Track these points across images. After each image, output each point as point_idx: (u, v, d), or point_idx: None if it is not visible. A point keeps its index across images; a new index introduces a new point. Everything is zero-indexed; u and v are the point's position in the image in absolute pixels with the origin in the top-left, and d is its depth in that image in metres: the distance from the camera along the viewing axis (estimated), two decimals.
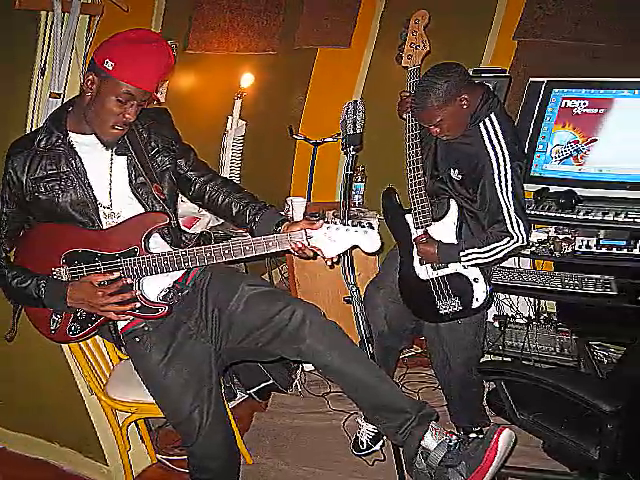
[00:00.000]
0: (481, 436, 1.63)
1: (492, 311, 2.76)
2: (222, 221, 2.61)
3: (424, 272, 2.06)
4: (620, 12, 2.76)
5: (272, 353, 1.72)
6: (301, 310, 1.64)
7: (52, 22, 1.78)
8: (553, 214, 2.47)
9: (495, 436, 1.53)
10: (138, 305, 1.61)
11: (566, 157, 2.58)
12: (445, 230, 2.03)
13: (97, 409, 2.10)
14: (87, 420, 2.14)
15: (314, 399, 2.72)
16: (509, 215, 1.89)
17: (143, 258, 1.59)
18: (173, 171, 1.75)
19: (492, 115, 1.92)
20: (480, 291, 2.00)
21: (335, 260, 1.62)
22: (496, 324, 2.76)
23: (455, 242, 2.01)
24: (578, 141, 2.55)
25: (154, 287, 1.68)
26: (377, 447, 2.20)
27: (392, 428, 1.67)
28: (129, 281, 1.60)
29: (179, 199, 1.87)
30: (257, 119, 3.18)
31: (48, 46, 1.81)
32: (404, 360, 2.97)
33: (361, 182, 3.18)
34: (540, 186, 2.59)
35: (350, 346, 1.70)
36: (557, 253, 2.50)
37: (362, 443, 2.21)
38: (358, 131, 1.83)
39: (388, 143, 2.80)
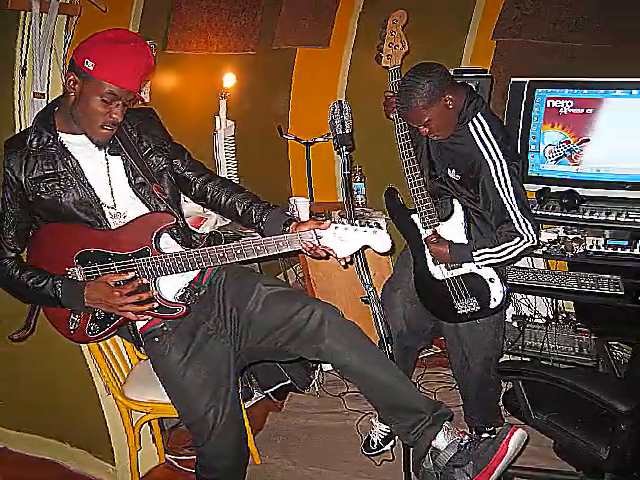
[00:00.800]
0: (493, 436, 1.66)
1: (510, 311, 2.79)
2: (229, 221, 2.65)
3: (438, 272, 2.09)
4: (598, 13, 2.83)
5: (291, 353, 1.74)
6: (320, 310, 1.67)
7: (30, 22, 1.83)
8: (559, 214, 2.53)
9: (507, 436, 1.57)
10: (156, 305, 1.64)
11: (560, 157, 2.63)
12: (454, 230, 2.06)
13: (112, 409, 2.15)
14: (101, 420, 2.18)
15: (330, 399, 2.76)
16: (515, 216, 1.92)
17: (156, 258, 1.62)
18: (170, 171, 1.79)
19: (479, 115, 1.95)
20: (497, 291, 2.02)
21: (348, 260, 1.64)
22: (515, 324, 2.79)
23: (465, 242, 2.04)
24: (569, 141, 2.59)
25: (170, 287, 1.71)
26: (387, 447, 2.24)
27: (405, 428, 1.70)
28: (145, 281, 1.64)
29: (182, 199, 1.91)
30: (244, 119, 3.22)
31: (27, 46, 1.85)
32: (423, 360, 3.00)
33: (361, 182, 3.23)
34: (540, 186, 2.64)
35: (369, 346, 1.72)
36: (569, 253, 2.54)
37: (373, 443, 2.24)
38: (347, 131, 1.86)
39: (379, 142, 2.85)
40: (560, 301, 2.86)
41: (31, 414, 2.37)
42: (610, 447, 1.67)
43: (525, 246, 1.93)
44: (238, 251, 1.60)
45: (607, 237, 2.53)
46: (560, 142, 2.61)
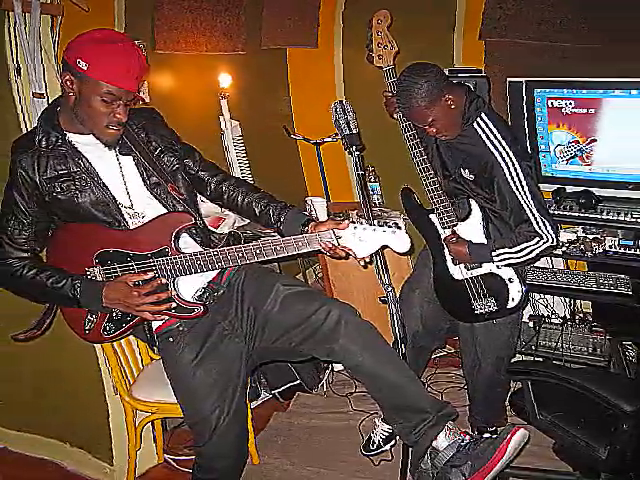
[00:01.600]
0: (494, 436, 1.68)
1: (527, 311, 2.83)
2: (248, 221, 2.67)
3: (458, 272, 2.12)
4: (582, 13, 2.87)
5: (304, 353, 1.78)
6: (337, 310, 1.70)
7: (15, 22, 1.87)
8: (577, 214, 2.57)
9: (508, 436, 1.60)
10: (174, 305, 1.66)
11: (572, 157, 2.66)
12: (472, 230, 2.09)
13: (117, 409, 2.18)
14: (104, 420, 2.22)
15: (337, 399, 2.80)
16: (533, 215, 1.95)
17: (175, 258, 1.64)
18: (183, 171, 1.81)
19: (483, 115, 1.98)
20: (515, 291, 2.06)
21: (367, 260, 1.67)
22: (531, 324, 2.83)
23: (485, 242, 2.07)
24: (578, 141, 2.61)
25: (189, 287, 1.73)
26: (387, 447, 2.24)
27: (408, 428, 1.73)
28: (164, 281, 1.65)
29: (199, 199, 1.93)
30: (247, 119, 3.26)
31: (16, 46, 1.89)
32: (435, 360, 3.03)
33: (375, 182, 3.25)
34: (555, 186, 2.68)
35: (383, 347, 1.75)
36: (589, 253, 2.58)
37: (373, 443, 2.25)
38: (354, 131, 1.87)
39: (387, 141, 2.87)
40: (578, 301, 2.90)
41: (31, 414, 2.39)
42: (610, 447, 1.70)
43: (545, 246, 1.96)
44: (257, 251, 1.63)
45: (621, 237, 2.58)
46: (569, 142, 2.64)
